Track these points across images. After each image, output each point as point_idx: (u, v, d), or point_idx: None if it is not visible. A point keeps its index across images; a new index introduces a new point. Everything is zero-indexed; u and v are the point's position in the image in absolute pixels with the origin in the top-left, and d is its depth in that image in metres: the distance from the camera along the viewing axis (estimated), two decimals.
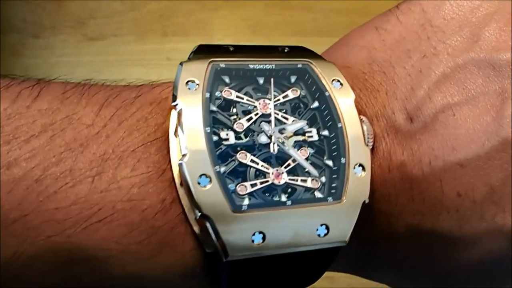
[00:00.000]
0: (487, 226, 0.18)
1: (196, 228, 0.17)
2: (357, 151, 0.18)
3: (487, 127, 0.18)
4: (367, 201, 0.18)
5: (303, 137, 0.19)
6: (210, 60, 0.18)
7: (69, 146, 0.17)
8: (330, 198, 0.18)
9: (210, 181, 0.16)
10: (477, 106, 0.18)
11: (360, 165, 0.18)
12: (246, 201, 0.17)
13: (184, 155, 0.16)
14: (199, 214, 0.16)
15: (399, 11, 0.21)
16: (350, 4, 0.56)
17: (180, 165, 0.16)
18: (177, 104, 0.17)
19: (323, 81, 0.19)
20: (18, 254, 0.16)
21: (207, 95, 0.18)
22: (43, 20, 0.54)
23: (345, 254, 0.18)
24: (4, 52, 0.53)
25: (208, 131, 0.17)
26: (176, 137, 0.17)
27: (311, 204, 0.17)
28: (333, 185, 0.18)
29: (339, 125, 0.18)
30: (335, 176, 0.18)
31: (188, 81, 0.18)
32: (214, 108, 0.18)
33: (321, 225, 0.17)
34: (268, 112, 0.18)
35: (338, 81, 0.19)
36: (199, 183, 0.16)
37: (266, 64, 0.19)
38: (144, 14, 0.55)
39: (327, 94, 0.19)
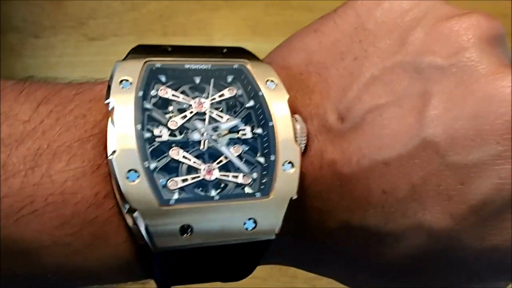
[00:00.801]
0: (410, 222, 0.19)
1: (129, 221, 0.18)
2: (287, 149, 0.19)
3: (410, 128, 0.19)
4: (294, 197, 0.19)
5: (237, 135, 0.19)
6: (145, 60, 0.19)
7: (4, 141, 0.17)
8: (258, 194, 0.19)
9: (139, 176, 0.17)
10: (401, 107, 0.19)
11: (290, 162, 0.19)
12: (175, 196, 0.18)
13: (114, 152, 0.17)
14: (127, 207, 0.17)
15: (336, 15, 0.22)
16: None
17: (109, 160, 0.17)
18: (109, 102, 0.18)
19: (258, 81, 0.20)
20: None
21: (140, 93, 0.18)
22: (43, 20, 0.54)
23: (284, 248, 0.19)
24: (4, 52, 0.53)
25: (139, 128, 0.18)
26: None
27: (239, 199, 0.18)
28: (263, 181, 0.19)
29: (271, 123, 0.19)
30: (265, 172, 0.19)
31: (122, 80, 0.18)
32: (148, 106, 0.19)
33: (249, 219, 0.18)
34: (203, 110, 0.19)
35: (272, 81, 0.20)
36: (127, 178, 0.17)
37: (202, 64, 0.20)
38: (144, 14, 0.55)
39: (260, 94, 0.20)
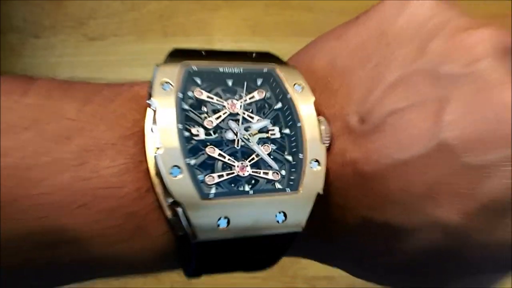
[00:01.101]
0: (426, 219, 0.20)
1: (168, 214, 0.19)
2: (314, 148, 0.21)
3: (428, 130, 0.20)
4: (321, 192, 0.20)
5: (267, 135, 0.21)
6: (183, 63, 0.21)
7: (55, 138, 0.19)
8: (288, 189, 0.20)
9: (181, 172, 0.19)
10: (420, 111, 0.20)
11: (316, 160, 0.21)
12: (213, 190, 0.19)
13: (158, 149, 0.19)
14: (171, 201, 0.19)
15: (358, 22, 0.23)
16: (350, 4, 0.56)
17: (155, 157, 0.19)
18: (152, 103, 0.19)
19: (286, 85, 0.22)
20: (8, 235, 0.18)
21: (180, 95, 0.20)
22: (43, 20, 0.55)
23: (304, 241, 0.21)
24: (4, 52, 0.53)
25: (180, 127, 0.19)
26: (152, 132, 0.19)
27: (271, 193, 0.20)
28: (292, 177, 0.20)
29: (299, 124, 0.21)
30: (293, 169, 0.21)
31: (162, 82, 0.20)
32: (186, 107, 0.20)
33: (280, 212, 0.20)
34: (235, 111, 0.21)
35: (300, 84, 0.22)
36: (171, 173, 0.19)
37: (234, 68, 0.21)
38: (144, 14, 0.55)
39: (289, 96, 0.21)
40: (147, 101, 0.19)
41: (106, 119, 0.19)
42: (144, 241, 0.19)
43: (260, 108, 0.21)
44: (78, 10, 0.55)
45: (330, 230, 0.22)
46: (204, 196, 0.19)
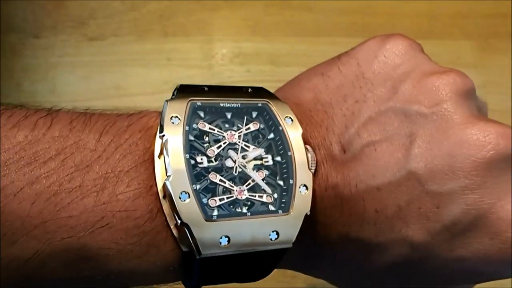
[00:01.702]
0: (395, 236, 0.24)
1: (175, 232, 0.22)
2: (302, 174, 0.24)
3: (398, 161, 0.23)
4: (308, 213, 0.23)
5: (261, 162, 0.24)
6: (189, 99, 0.24)
7: (77, 167, 0.21)
8: (280, 211, 0.23)
9: (189, 196, 0.21)
10: (392, 144, 0.24)
11: (304, 185, 0.23)
12: (215, 212, 0.22)
13: (168, 176, 0.21)
14: (180, 222, 0.21)
15: (340, 62, 0.27)
16: (350, 4, 0.56)
17: (165, 184, 0.21)
18: (163, 135, 0.22)
19: (278, 118, 0.25)
20: (38, 253, 0.20)
21: (187, 128, 0.23)
22: (43, 20, 0.55)
23: (292, 255, 0.24)
24: (4, 52, 0.53)
25: (187, 157, 0.22)
26: (159, 159, 0.22)
27: (265, 215, 0.23)
28: (283, 200, 0.23)
29: (289, 153, 0.24)
30: (284, 193, 0.23)
31: (172, 117, 0.23)
32: (191, 138, 0.23)
33: (273, 231, 0.22)
34: (234, 141, 0.24)
35: (290, 118, 0.25)
36: (180, 198, 0.21)
37: (233, 103, 0.24)
38: (144, 14, 0.55)
39: (280, 128, 0.24)
40: (159, 134, 0.22)
41: (121, 148, 0.22)
42: (154, 256, 0.22)
43: (255, 137, 0.24)
44: (78, 10, 0.55)
45: (314, 244, 0.25)
46: (208, 217, 0.21)
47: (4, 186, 0.20)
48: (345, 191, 0.24)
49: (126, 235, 0.21)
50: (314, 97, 0.26)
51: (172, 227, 0.21)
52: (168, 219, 0.22)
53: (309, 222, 0.24)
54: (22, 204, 0.20)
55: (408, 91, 0.24)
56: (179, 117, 0.22)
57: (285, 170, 0.24)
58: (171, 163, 0.21)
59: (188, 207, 0.21)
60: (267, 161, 0.24)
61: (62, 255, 0.20)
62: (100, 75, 0.56)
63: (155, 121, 0.24)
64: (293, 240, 0.23)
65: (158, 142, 0.22)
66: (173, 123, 0.22)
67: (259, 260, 0.23)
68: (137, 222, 0.21)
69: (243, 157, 0.23)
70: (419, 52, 0.26)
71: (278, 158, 0.24)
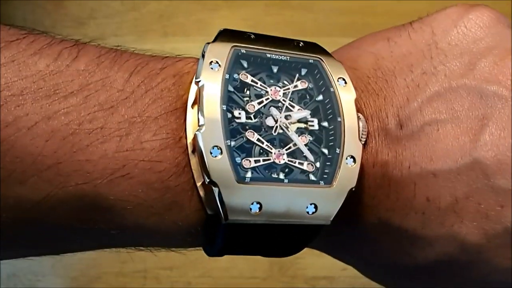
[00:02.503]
0: (445, 231, 0.21)
1: (201, 192, 0.19)
2: (351, 144, 0.21)
3: (463, 146, 0.20)
4: (354, 189, 0.20)
5: (305, 125, 0.21)
6: (233, 44, 0.21)
7: (101, 106, 0.19)
8: (322, 182, 0.20)
9: (221, 152, 0.19)
10: (459, 126, 0.21)
11: (352, 157, 0.21)
12: (249, 174, 0.19)
13: (200, 127, 0.19)
14: (208, 180, 0.19)
15: (411, 28, 0.23)
16: (350, 4, 0.56)
17: (196, 135, 0.19)
18: (200, 81, 0.19)
19: (330, 78, 0.21)
20: (48, 197, 0.18)
21: (227, 76, 0.20)
22: (43, 20, 0.55)
23: (326, 234, 0.21)
24: None
25: (224, 108, 0.19)
26: (193, 109, 0.19)
27: (304, 184, 0.20)
28: (326, 171, 0.20)
29: (339, 119, 0.21)
30: (328, 163, 0.21)
31: (211, 61, 0.20)
32: (231, 89, 0.20)
33: (311, 204, 0.20)
34: (277, 98, 0.21)
35: (344, 79, 0.21)
36: (211, 153, 0.19)
37: (281, 55, 0.21)
38: (144, 14, 0.55)
39: (331, 90, 0.21)
40: (195, 79, 0.19)
41: (151, 92, 0.20)
42: (177, 216, 0.20)
43: (301, 98, 0.21)
44: (78, 10, 0.55)
45: (350, 226, 0.22)
46: (241, 179, 0.19)
47: (17, 118, 0.18)
48: (395, 172, 0.21)
49: (148, 189, 0.19)
50: (375, 63, 0.23)
51: (199, 185, 0.19)
52: (195, 176, 0.19)
53: (349, 200, 0.21)
54: (36, 140, 0.18)
55: (487, 69, 0.21)
56: (219, 62, 0.20)
57: (331, 138, 0.21)
58: (205, 112, 0.19)
59: (218, 164, 0.18)
60: (312, 125, 0.21)
61: (75, 202, 0.18)
62: None
63: (192, 67, 0.21)
64: (332, 217, 0.20)
65: (193, 89, 0.20)
66: (212, 68, 0.20)
67: (291, 235, 0.21)
68: (161, 175, 0.19)
69: (286, 118, 0.20)
70: (506, 27, 0.22)
71: (325, 124, 0.21)
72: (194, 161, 0.19)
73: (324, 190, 0.20)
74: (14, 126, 0.18)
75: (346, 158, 0.20)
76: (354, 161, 0.20)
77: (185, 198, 0.19)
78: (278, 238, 0.21)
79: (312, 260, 0.46)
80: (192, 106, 0.20)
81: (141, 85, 0.20)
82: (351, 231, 0.23)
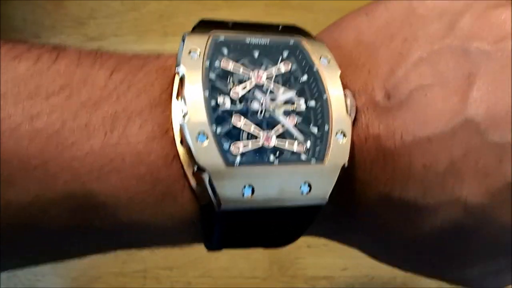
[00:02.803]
0: (447, 196, 0.20)
1: (193, 183, 0.19)
2: (340, 120, 0.20)
3: (453, 107, 0.20)
4: (346, 164, 0.20)
5: (292, 107, 0.21)
6: (211, 32, 0.21)
7: (84, 104, 0.19)
8: (313, 160, 0.20)
9: (207, 138, 0.19)
10: (447, 87, 0.20)
11: (342, 132, 0.20)
12: (238, 159, 0.19)
13: (185, 115, 0.19)
14: (196, 168, 0.18)
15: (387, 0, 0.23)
16: (351, 4, 0.56)
17: (181, 124, 0.19)
18: (179, 70, 0.19)
19: (312, 57, 0.21)
20: (38, 198, 0.18)
21: (207, 63, 0.20)
22: (43, 20, 0.55)
23: (324, 218, 0.21)
24: None
25: (207, 95, 0.19)
26: (178, 100, 0.19)
27: (296, 163, 0.20)
28: (317, 149, 0.20)
29: (325, 97, 0.21)
30: (319, 141, 0.20)
31: (190, 50, 0.20)
32: (212, 76, 0.20)
33: (304, 183, 0.19)
34: (261, 82, 0.21)
35: (326, 57, 0.21)
36: (197, 140, 0.18)
37: (261, 39, 0.21)
38: (144, 14, 0.55)
39: (315, 69, 0.21)
40: (176, 69, 0.19)
41: (134, 87, 0.20)
42: (170, 208, 0.19)
43: (286, 80, 0.21)
44: (78, 10, 0.55)
45: (349, 205, 0.22)
46: (230, 163, 0.19)
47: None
48: (388, 143, 0.20)
49: (138, 182, 0.19)
50: (356, 38, 0.22)
51: (189, 176, 0.19)
52: (185, 167, 0.19)
53: (345, 177, 0.20)
54: (20, 141, 0.18)
55: (467, 26, 0.21)
56: (198, 51, 0.20)
57: (319, 116, 0.21)
58: (187, 100, 0.19)
59: (206, 150, 0.18)
60: (300, 106, 0.21)
61: (65, 201, 0.18)
62: None
63: (174, 61, 0.21)
64: (328, 195, 0.20)
65: (176, 82, 0.20)
66: (191, 57, 0.19)
67: (288, 219, 0.20)
68: (150, 168, 0.19)
69: (272, 100, 0.20)
70: None
71: (312, 103, 0.21)
72: (182, 151, 0.19)
73: (316, 167, 0.20)
74: None
75: (336, 134, 0.20)
76: (345, 136, 0.20)
77: (177, 189, 0.19)
78: (275, 224, 0.20)
79: (312, 260, 0.46)
80: (177, 98, 0.19)
81: (123, 81, 0.19)
82: (352, 210, 0.22)
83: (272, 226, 0.21)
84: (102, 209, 0.19)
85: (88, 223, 0.19)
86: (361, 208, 0.22)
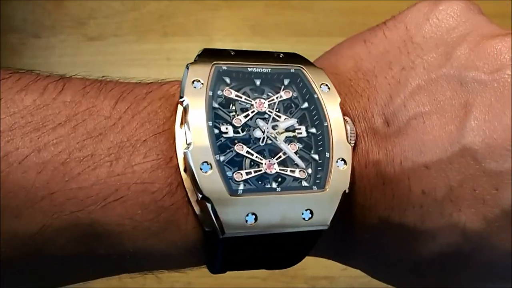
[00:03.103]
0: (445, 221, 0.21)
1: (197, 209, 0.19)
2: (340, 147, 0.21)
3: (451, 135, 0.20)
4: (347, 191, 0.20)
5: (293, 134, 0.21)
6: (213, 62, 0.21)
7: (90, 134, 0.19)
8: (315, 187, 0.20)
9: (211, 168, 0.19)
10: (444, 115, 0.21)
11: (342, 159, 0.21)
12: (241, 186, 0.20)
13: (189, 145, 0.19)
14: (201, 196, 0.19)
15: (385, 27, 0.23)
16: (350, 4, 0.56)
17: (185, 153, 0.19)
18: (183, 100, 0.20)
19: (313, 85, 0.22)
20: (44, 228, 0.18)
21: (210, 93, 0.20)
22: (43, 20, 0.55)
23: (326, 240, 0.21)
24: (4, 52, 0.53)
25: (210, 124, 0.20)
26: (181, 128, 0.20)
27: (298, 191, 0.20)
28: (318, 176, 0.21)
29: (325, 124, 0.21)
30: (320, 168, 0.21)
31: (193, 81, 0.20)
32: (216, 105, 0.20)
33: (306, 210, 0.20)
34: (263, 110, 0.21)
35: (326, 85, 0.22)
36: (201, 169, 0.19)
37: (262, 68, 0.22)
38: (144, 14, 0.55)
39: (315, 96, 0.21)
40: (180, 99, 0.20)
41: (138, 116, 0.20)
42: (174, 235, 0.20)
43: (287, 107, 0.21)
44: (78, 10, 0.55)
45: (350, 229, 0.22)
46: (233, 192, 0.19)
47: (8, 153, 0.18)
48: (388, 169, 0.21)
49: (143, 210, 0.19)
50: (355, 65, 0.23)
51: (193, 203, 0.19)
52: (189, 194, 0.19)
53: (346, 203, 0.21)
54: (27, 173, 0.18)
55: (464, 56, 0.21)
56: (201, 81, 0.20)
57: (320, 143, 0.21)
58: (191, 129, 0.19)
59: (210, 179, 0.19)
60: (300, 133, 0.21)
61: (71, 230, 0.18)
62: (100, 75, 0.56)
63: (177, 89, 0.21)
64: (329, 221, 0.20)
65: (180, 110, 0.20)
66: (195, 87, 0.20)
67: (290, 243, 0.21)
68: (155, 196, 0.19)
69: (273, 128, 0.21)
70: (477, 13, 0.23)
71: (313, 130, 0.21)
72: (186, 178, 0.19)
73: (317, 194, 0.20)
74: (5, 161, 0.18)
75: (337, 161, 0.20)
76: (345, 163, 0.21)
77: (181, 217, 0.20)
78: (278, 248, 0.21)
79: (312, 260, 0.46)
80: (181, 126, 0.20)
81: (127, 110, 0.20)
82: (352, 234, 0.23)
83: (274, 250, 0.21)
84: (106, 238, 0.19)
85: (93, 251, 0.19)
86: (362, 232, 0.22)
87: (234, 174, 0.19)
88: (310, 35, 0.56)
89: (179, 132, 0.20)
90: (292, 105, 0.22)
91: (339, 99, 0.21)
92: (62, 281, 0.21)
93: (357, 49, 0.23)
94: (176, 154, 0.20)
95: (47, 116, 0.19)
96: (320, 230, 0.20)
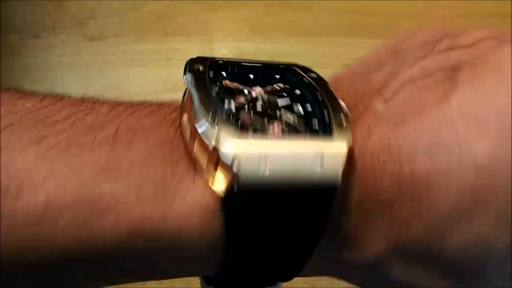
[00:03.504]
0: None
1: (207, 172, 0.20)
2: (338, 117, 0.22)
3: (440, 97, 0.22)
4: (350, 143, 0.21)
5: (292, 110, 0.22)
6: (210, 59, 0.22)
7: (90, 126, 0.21)
8: (322, 132, 0.21)
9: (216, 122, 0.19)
10: (433, 84, 0.22)
11: (341, 124, 0.21)
12: (251, 132, 0.20)
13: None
14: (212, 145, 0.19)
15: (375, 47, 0.26)
16: (350, 4, 0.56)
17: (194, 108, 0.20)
18: (187, 78, 0.21)
19: (304, 74, 0.23)
20: (46, 206, 0.19)
21: (211, 74, 0.21)
22: (43, 20, 0.55)
23: (325, 253, 0.21)
24: (4, 52, 0.53)
25: (213, 95, 0.20)
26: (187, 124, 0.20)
27: (307, 136, 0.21)
28: (324, 127, 0.21)
29: (320, 98, 0.22)
30: (322, 125, 0.21)
31: (194, 67, 0.21)
32: (216, 89, 0.21)
33: (316, 155, 0.20)
34: (261, 95, 0.22)
35: (315, 73, 0.23)
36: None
37: (255, 63, 0.23)
38: (144, 14, 0.55)
39: (306, 81, 0.23)
40: (183, 78, 0.21)
41: (138, 113, 0.21)
42: (185, 199, 0.20)
43: (281, 96, 0.23)
44: (78, 10, 0.55)
45: (349, 241, 0.22)
46: (243, 137, 0.19)
47: (9, 143, 0.19)
48: (390, 131, 0.22)
49: (147, 188, 0.20)
50: (351, 72, 0.25)
51: (204, 163, 0.19)
52: (198, 157, 0.19)
53: (343, 206, 0.21)
54: (31, 159, 0.19)
55: (447, 45, 0.24)
56: (201, 68, 0.21)
57: (318, 112, 0.22)
58: (198, 99, 0.20)
59: (218, 129, 0.19)
60: (298, 109, 0.22)
61: (74, 208, 0.19)
62: (100, 75, 0.56)
63: (176, 105, 0.22)
64: (340, 174, 0.20)
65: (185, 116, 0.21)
66: (196, 69, 0.21)
67: (305, 201, 0.20)
68: (159, 170, 0.20)
69: (271, 106, 0.22)
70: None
71: (308, 105, 0.22)
72: (197, 147, 0.20)
73: (325, 142, 0.20)
74: (5, 151, 0.19)
75: (338, 117, 0.21)
76: (346, 121, 0.21)
77: (189, 183, 0.20)
78: (294, 208, 0.20)
79: None
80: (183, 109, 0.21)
81: (126, 109, 0.21)
82: (351, 247, 0.22)
83: (291, 211, 0.20)
84: (110, 214, 0.20)
85: (95, 230, 0.20)
86: (360, 244, 0.22)
87: (242, 131, 0.20)
88: (310, 35, 0.56)
89: (186, 126, 0.20)
90: (286, 93, 0.23)
91: (328, 83, 0.23)
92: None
93: (352, 64, 0.26)
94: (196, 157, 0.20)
95: (48, 114, 0.21)
96: (333, 188, 0.20)
